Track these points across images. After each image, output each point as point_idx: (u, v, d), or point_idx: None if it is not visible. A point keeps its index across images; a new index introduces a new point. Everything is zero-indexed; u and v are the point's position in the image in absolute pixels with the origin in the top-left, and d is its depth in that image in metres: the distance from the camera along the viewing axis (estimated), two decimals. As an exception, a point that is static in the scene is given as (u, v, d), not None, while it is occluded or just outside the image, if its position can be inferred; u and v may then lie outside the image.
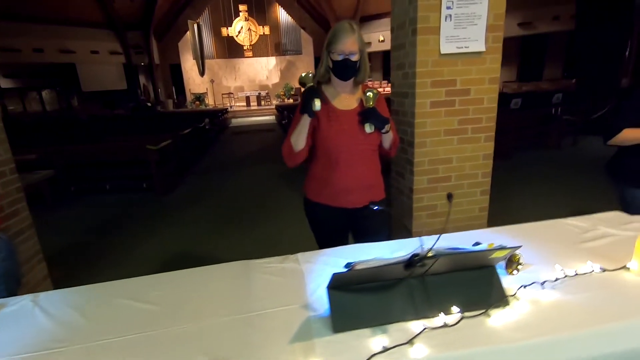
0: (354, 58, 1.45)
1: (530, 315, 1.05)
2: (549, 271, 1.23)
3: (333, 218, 1.67)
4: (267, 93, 18.52)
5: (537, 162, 5.63)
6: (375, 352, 0.91)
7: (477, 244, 1.41)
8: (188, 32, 17.18)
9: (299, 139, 1.51)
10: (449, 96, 2.29)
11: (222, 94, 18.79)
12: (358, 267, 1.02)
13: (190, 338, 1.01)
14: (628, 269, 1.23)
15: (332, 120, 1.53)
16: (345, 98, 1.58)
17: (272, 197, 4.76)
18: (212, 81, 18.53)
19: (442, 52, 2.18)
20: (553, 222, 1.64)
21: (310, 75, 1.51)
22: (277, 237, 3.50)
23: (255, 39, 18.95)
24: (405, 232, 2.57)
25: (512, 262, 1.25)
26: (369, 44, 19.90)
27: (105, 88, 16.42)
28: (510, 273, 1.24)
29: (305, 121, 1.48)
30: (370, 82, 19.58)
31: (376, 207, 1.55)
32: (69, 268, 3.10)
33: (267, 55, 19.84)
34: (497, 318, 1.03)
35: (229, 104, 18.29)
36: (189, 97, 18.34)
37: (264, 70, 20.00)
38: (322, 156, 1.58)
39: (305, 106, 1.44)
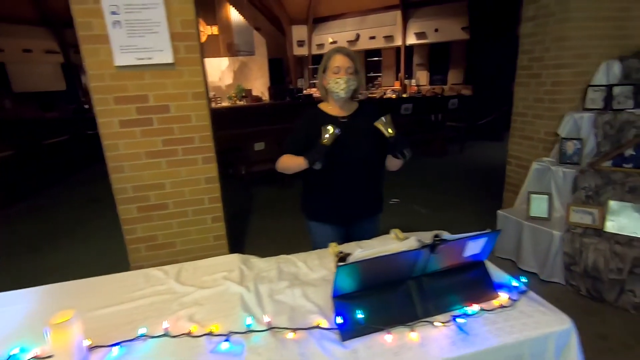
0: None
1: None
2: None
3: None
4: (214, 95, 18.05)
5: (418, 171, 5.40)
6: None
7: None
8: (131, 31, 16.51)
9: None
10: (142, 114, 1.99)
11: (171, 96, 18.18)
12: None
13: None
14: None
15: None
16: None
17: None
18: (158, 82, 17.90)
19: (117, 64, 1.87)
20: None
21: None
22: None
23: (203, 38, 18.48)
24: (126, 268, 2.27)
25: None
26: (322, 45, 19.63)
27: (40, 89, 15.60)
28: None
29: None
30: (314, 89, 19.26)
31: None
32: None
33: (219, 56, 19.34)
34: None
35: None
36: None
37: (216, 71, 19.43)
38: None
39: None
